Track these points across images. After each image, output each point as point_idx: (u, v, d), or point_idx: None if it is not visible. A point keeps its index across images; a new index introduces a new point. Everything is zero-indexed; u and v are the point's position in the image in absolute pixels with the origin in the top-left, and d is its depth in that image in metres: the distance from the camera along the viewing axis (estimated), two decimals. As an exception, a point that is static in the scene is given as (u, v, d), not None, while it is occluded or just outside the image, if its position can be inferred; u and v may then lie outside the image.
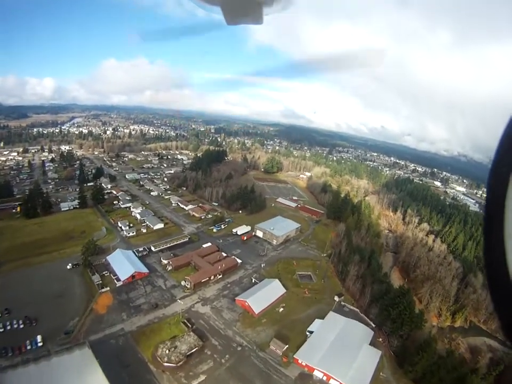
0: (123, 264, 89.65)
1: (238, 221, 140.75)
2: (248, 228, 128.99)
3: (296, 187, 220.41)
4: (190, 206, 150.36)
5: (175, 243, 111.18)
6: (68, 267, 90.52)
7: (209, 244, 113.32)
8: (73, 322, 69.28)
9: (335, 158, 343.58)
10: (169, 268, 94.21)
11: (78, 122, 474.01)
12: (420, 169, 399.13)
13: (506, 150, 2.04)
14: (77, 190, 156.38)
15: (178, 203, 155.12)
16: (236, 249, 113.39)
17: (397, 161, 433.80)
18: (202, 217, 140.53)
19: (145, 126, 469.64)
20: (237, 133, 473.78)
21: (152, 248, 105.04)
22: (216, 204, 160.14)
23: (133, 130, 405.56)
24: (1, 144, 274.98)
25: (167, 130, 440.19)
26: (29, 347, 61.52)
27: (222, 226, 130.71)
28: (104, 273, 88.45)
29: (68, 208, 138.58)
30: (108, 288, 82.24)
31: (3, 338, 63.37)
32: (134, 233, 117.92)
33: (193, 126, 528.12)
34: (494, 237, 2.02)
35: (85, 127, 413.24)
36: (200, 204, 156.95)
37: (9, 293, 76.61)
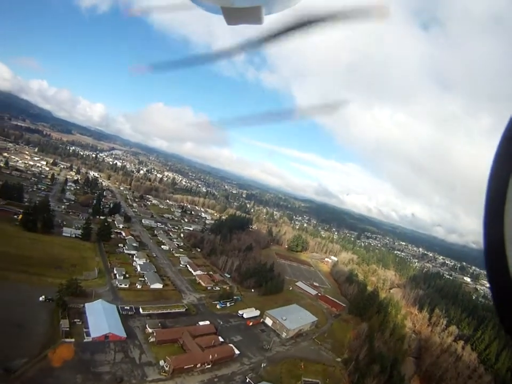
0: (100, 318, 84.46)
1: (247, 301, 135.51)
2: (257, 313, 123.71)
3: (319, 271, 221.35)
4: (199, 272, 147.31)
5: (168, 311, 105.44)
6: (41, 298, 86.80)
7: (207, 322, 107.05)
8: (20, 362, 64.28)
9: (363, 244, 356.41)
10: (152, 340, 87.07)
11: (116, 155, 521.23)
12: (449, 262, 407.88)
13: (506, 150, 2.21)
14: (87, 218, 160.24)
15: (187, 265, 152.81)
16: (236, 335, 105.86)
17: (426, 252, 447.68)
18: (209, 287, 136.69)
19: (179, 175, 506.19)
20: (267, 203, 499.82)
21: (140, 310, 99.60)
22: (228, 276, 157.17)
23: (166, 176, 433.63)
24: (36, 150, 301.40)
25: (199, 185, 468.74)
26: None
27: (228, 304, 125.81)
28: (76, 321, 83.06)
29: (69, 235, 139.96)
30: (73, 340, 76.30)
31: None
32: (127, 285, 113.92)
33: (226, 186, 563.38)
34: (494, 236, 2.17)
35: (121, 161, 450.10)
36: (211, 272, 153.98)
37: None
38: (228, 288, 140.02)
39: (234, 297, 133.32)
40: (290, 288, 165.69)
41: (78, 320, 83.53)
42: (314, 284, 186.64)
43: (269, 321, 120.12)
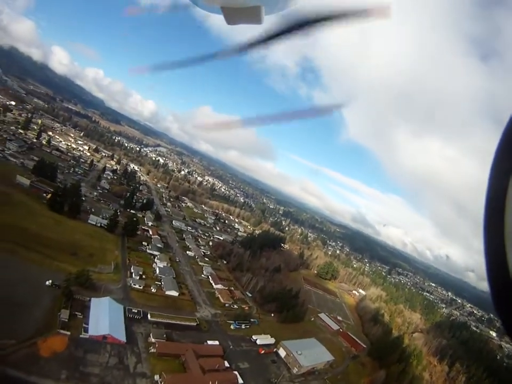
0: (103, 316, 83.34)
1: (264, 325, 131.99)
2: (272, 341, 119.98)
3: (344, 304, 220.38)
4: (219, 286, 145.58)
5: (178, 322, 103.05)
6: (47, 283, 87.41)
7: (217, 342, 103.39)
8: (7, 342, 64.35)
9: (393, 280, 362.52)
10: (153, 350, 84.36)
11: (160, 152, 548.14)
12: (477, 312, 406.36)
13: (506, 150, 2.36)
14: (116, 210, 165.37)
15: (209, 276, 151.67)
16: (243, 362, 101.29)
17: (455, 298, 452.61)
18: (227, 304, 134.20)
19: (220, 182, 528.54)
20: (303, 223, 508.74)
21: (149, 316, 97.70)
22: (250, 296, 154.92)
23: (206, 181, 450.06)
24: (81, 134, 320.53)
25: (237, 195, 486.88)
26: None
27: (243, 326, 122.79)
28: (77, 313, 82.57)
29: (94, 223, 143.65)
30: (69, 333, 75.36)
31: None
32: (141, 287, 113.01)
33: (264, 200, 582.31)
34: (494, 236, 2.32)
35: (164, 158, 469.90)
36: (232, 288, 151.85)
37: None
38: (246, 308, 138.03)
39: (252, 319, 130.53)
40: (312, 319, 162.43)
41: (80, 314, 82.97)
42: (338, 317, 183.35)
43: (282, 352, 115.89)
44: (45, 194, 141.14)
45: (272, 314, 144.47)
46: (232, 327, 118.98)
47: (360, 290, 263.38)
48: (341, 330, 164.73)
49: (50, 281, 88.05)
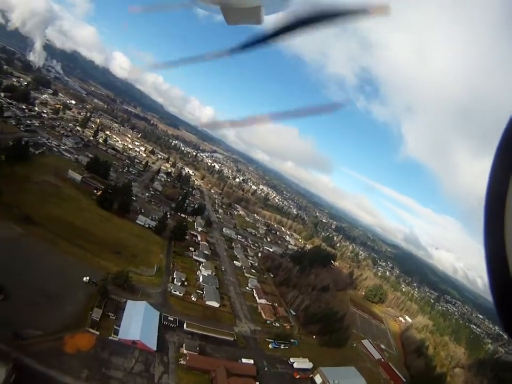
0: (136, 321, 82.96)
1: (304, 347, 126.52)
2: (309, 365, 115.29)
3: (389, 331, 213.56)
4: (263, 301, 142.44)
5: (214, 335, 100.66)
6: (85, 279, 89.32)
7: (251, 361, 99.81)
8: (33, 332, 65.82)
9: (441, 308, 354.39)
10: (182, 362, 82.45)
11: (217, 158, 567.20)
12: None
13: (506, 150, 2.45)
14: (167, 212, 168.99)
15: (254, 290, 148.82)
16: None
17: (502, 333, 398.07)
18: (268, 321, 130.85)
19: (274, 192, 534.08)
20: (354, 239, 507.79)
21: (184, 325, 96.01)
22: (293, 314, 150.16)
23: (260, 190, 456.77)
24: (138, 135, 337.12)
25: (290, 206, 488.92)
26: None
27: (282, 346, 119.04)
28: (110, 314, 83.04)
29: (142, 224, 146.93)
30: (98, 333, 75.67)
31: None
32: (181, 294, 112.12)
33: (317, 213, 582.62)
34: (495, 236, 2.40)
35: (219, 165, 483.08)
36: (276, 304, 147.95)
37: (9, 252, 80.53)
38: (288, 327, 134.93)
39: (292, 340, 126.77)
40: (354, 345, 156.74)
41: (113, 315, 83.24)
42: (381, 346, 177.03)
43: (318, 379, 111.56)
44: (95, 191, 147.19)
45: (314, 336, 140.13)
46: (270, 346, 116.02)
47: (407, 317, 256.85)
48: (382, 360, 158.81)
49: (87, 277, 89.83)
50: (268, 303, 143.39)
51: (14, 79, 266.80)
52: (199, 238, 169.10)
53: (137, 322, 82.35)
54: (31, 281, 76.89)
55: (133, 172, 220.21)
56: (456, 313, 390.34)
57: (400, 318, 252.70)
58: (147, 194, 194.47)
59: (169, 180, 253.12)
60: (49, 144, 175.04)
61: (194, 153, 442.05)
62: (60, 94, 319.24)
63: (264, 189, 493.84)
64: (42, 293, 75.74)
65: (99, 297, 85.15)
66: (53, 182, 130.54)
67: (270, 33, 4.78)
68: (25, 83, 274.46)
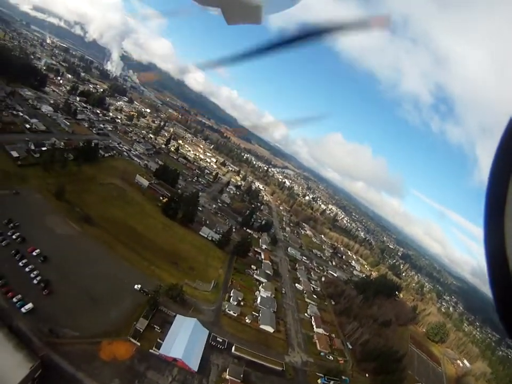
0: (181, 338, 79.84)
1: None
2: None
3: (445, 375, 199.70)
4: (320, 330, 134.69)
5: (262, 362, 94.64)
6: (136, 286, 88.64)
7: None
8: (69, 332, 65.99)
9: (501, 353, 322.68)
10: None
11: (287, 174, 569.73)
12: None
13: (506, 150, 2.52)
14: (232, 226, 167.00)
15: (312, 317, 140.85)
16: None
17: None
18: (323, 353, 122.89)
19: (342, 212, 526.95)
20: (420, 269, 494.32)
21: (233, 348, 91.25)
22: (350, 348, 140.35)
23: (329, 210, 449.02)
24: (211, 146, 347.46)
25: (358, 229, 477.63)
26: (15, 300, 66.60)
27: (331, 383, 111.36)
28: (155, 326, 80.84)
29: (205, 236, 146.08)
30: (138, 344, 73.65)
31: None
32: (235, 314, 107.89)
33: (384, 238, 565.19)
34: (495, 236, 2.48)
35: (290, 181, 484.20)
36: (333, 335, 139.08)
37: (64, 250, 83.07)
38: (341, 362, 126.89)
39: (343, 377, 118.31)
40: None
41: (158, 328, 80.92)
42: None
43: None
44: (161, 198, 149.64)
45: (367, 375, 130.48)
46: (319, 381, 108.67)
47: (465, 361, 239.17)
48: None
49: (139, 285, 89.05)
50: (325, 333, 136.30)
51: (91, 86, 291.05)
52: (263, 256, 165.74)
53: (183, 339, 79.26)
54: (80, 281, 77.55)
55: (202, 182, 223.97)
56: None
57: (459, 362, 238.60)
58: (214, 206, 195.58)
59: (238, 193, 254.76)
60: (120, 148, 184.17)
61: (265, 168, 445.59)
62: (135, 102, 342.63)
63: (333, 208, 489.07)
64: (88, 294, 75.81)
65: (147, 307, 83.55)
66: (119, 185, 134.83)
67: (279, 43, 5.00)
68: (101, 90, 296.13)
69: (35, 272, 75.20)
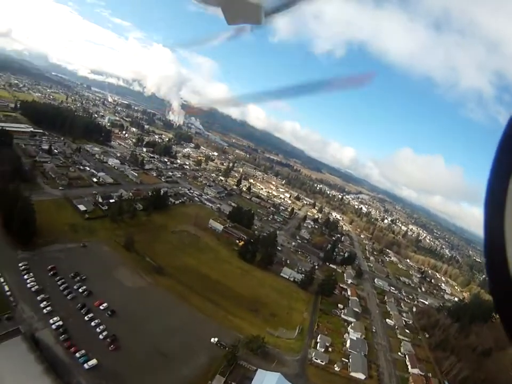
0: None
1: None
2: None
3: None
4: (415, 371, 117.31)
5: None
6: (213, 340, 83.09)
7: None
8: None
9: None
10: None
11: (362, 199, 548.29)
12: None
13: (506, 150, 2.50)
14: (314, 264, 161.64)
15: (407, 356, 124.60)
16: None
17: None
18: None
19: (424, 231, 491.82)
20: None
21: None
22: None
23: (410, 231, 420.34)
24: (283, 182, 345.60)
25: (443, 246, 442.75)
26: (78, 355, 64.62)
27: None
28: None
29: (287, 277, 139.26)
30: None
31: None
32: (323, 363, 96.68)
33: (470, 252, 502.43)
34: (495, 236, 2.45)
35: (366, 206, 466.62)
36: (429, 374, 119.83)
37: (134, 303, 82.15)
38: None
39: None
40: None
41: (234, 386, 73.45)
42: None
43: None
44: (237, 241, 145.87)
45: None
46: None
47: None
48: None
49: (216, 338, 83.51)
50: (421, 372, 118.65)
51: (156, 136, 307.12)
52: (349, 292, 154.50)
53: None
54: (150, 335, 74.29)
55: (278, 220, 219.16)
56: None
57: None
58: (293, 243, 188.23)
59: (316, 226, 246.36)
60: (190, 194, 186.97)
61: (340, 196, 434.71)
62: (201, 147, 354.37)
63: (413, 229, 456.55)
64: (159, 349, 71.96)
65: (225, 363, 76.89)
66: (191, 231, 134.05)
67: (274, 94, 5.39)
68: (167, 139, 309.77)
69: (101, 327, 73.69)
